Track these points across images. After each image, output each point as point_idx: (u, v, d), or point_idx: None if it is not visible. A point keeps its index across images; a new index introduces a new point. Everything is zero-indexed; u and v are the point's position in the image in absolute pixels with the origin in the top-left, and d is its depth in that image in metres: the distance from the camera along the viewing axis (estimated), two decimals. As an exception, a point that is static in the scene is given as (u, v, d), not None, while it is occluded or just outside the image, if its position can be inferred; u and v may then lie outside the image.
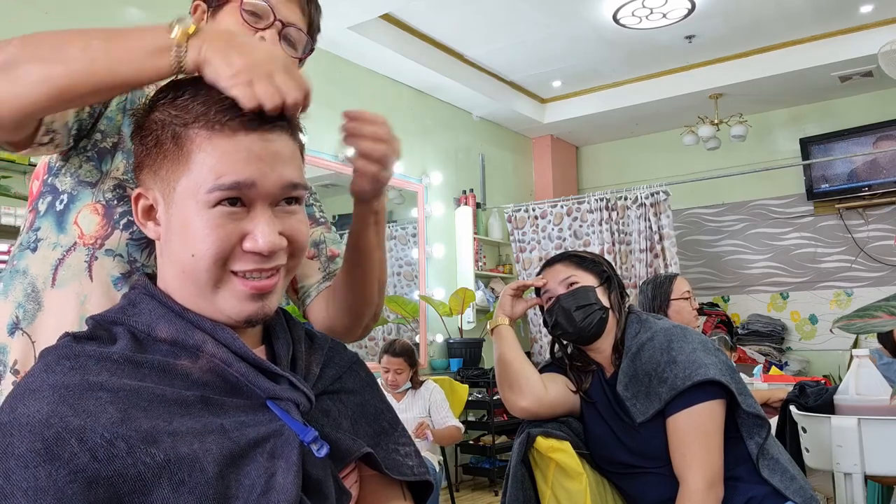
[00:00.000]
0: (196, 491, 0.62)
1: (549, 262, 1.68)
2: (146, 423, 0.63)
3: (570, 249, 1.78)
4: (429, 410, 3.30)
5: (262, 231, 0.71)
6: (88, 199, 0.92)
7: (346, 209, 4.96)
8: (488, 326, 1.74)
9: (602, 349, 1.59)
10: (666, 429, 1.44)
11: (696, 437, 1.39)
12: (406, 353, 3.30)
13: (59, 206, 0.93)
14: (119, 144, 0.92)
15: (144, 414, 0.64)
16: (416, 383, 3.36)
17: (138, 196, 0.76)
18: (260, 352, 0.80)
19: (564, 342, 1.68)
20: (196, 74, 0.73)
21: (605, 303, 1.58)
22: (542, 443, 1.52)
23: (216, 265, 0.71)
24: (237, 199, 0.70)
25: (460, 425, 3.36)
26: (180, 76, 0.74)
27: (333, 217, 4.94)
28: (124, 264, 0.92)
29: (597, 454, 1.59)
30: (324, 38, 4.48)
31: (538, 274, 1.68)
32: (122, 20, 3.08)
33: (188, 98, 0.72)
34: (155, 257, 0.91)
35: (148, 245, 0.93)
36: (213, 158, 0.70)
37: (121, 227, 0.92)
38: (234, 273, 0.72)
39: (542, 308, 1.67)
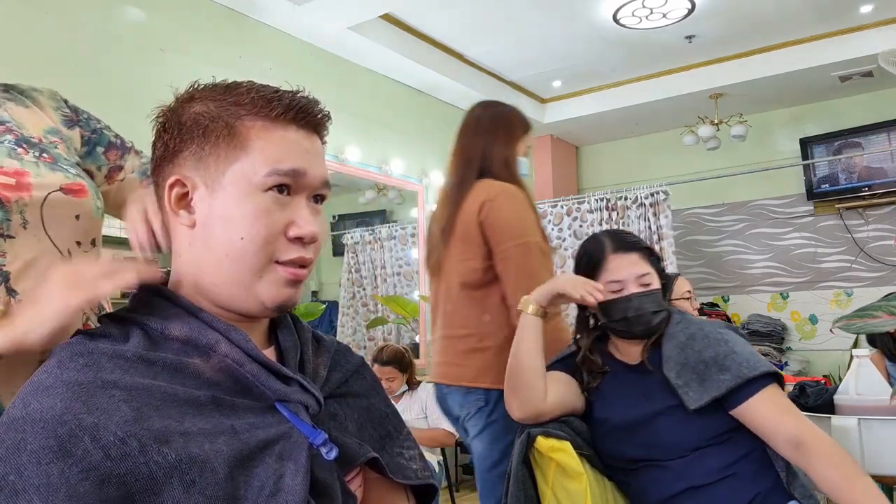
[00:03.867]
0: (206, 491, 0.63)
1: (624, 246, 1.58)
2: (158, 423, 0.63)
3: (631, 235, 1.64)
4: (425, 411, 3.29)
5: (307, 219, 0.76)
6: None
7: (345, 209, 4.96)
8: (518, 307, 1.61)
9: (640, 342, 1.58)
10: (710, 417, 1.44)
11: (787, 407, 1.42)
12: (394, 361, 3.26)
13: None
14: None
15: (156, 413, 0.64)
16: (412, 385, 3.34)
17: (174, 183, 0.76)
18: (269, 352, 0.80)
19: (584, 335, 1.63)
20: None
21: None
22: (542, 443, 1.51)
23: (264, 249, 0.73)
24: (287, 186, 0.75)
25: (451, 429, 3.27)
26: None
27: (333, 217, 4.94)
28: None
29: (604, 449, 1.57)
30: (324, 38, 4.44)
31: (594, 249, 1.58)
32: (122, 20, 3.08)
33: (234, 95, 0.77)
34: (10, 211, 0.86)
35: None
36: (271, 146, 0.75)
37: None
38: (278, 263, 0.75)
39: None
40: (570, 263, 5.21)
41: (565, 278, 1.55)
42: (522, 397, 1.55)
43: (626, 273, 1.54)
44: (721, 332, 1.51)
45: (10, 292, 0.86)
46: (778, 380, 1.45)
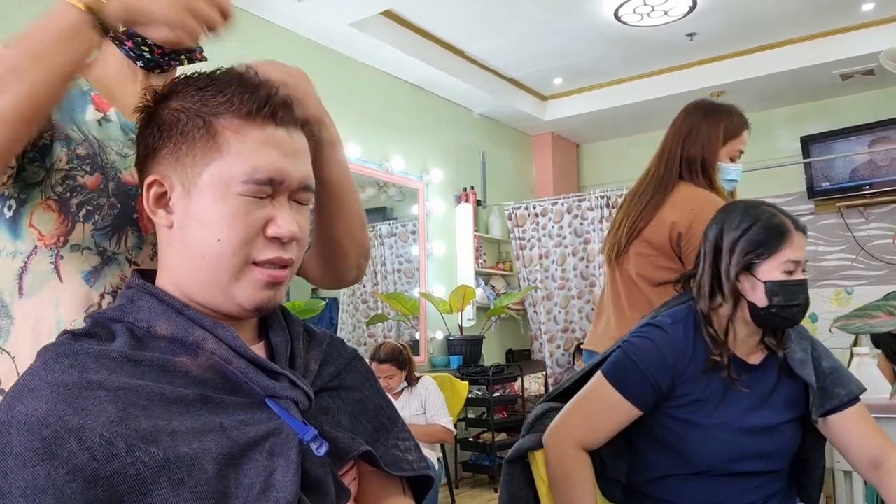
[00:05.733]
0: (195, 490, 0.62)
1: (802, 228, 1.36)
2: (145, 423, 0.63)
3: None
4: (423, 407, 3.30)
5: (285, 219, 0.74)
6: (38, 199, 0.86)
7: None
8: None
9: (758, 336, 1.41)
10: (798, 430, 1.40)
11: (873, 424, 1.40)
12: (391, 358, 3.25)
13: (8, 214, 0.88)
14: (55, 135, 0.86)
15: (143, 413, 0.63)
16: (412, 381, 3.34)
17: (152, 183, 0.75)
18: (258, 348, 0.80)
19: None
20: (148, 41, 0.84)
21: None
22: (538, 456, 1.47)
23: (241, 251, 0.72)
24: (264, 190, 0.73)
25: (449, 426, 3.29)
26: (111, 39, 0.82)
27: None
28: (94, 256, 0.87)
29: (696, 452, 1.36)
30: (325, 35, 4.42)
31: (779, 220, 1.34)
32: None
33: (214, 89, 0.75)
34: (126, 242, 0.88)
35: (116, 232, 0.88)
36: (247, 148, 0.72)
37: (81, 218, 0.86)
38: (255, 264, 0.74)
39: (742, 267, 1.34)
40: (571, 261, 5.23)
41: None
42: None
43: (803, 255, 1.34)
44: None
45: None
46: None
